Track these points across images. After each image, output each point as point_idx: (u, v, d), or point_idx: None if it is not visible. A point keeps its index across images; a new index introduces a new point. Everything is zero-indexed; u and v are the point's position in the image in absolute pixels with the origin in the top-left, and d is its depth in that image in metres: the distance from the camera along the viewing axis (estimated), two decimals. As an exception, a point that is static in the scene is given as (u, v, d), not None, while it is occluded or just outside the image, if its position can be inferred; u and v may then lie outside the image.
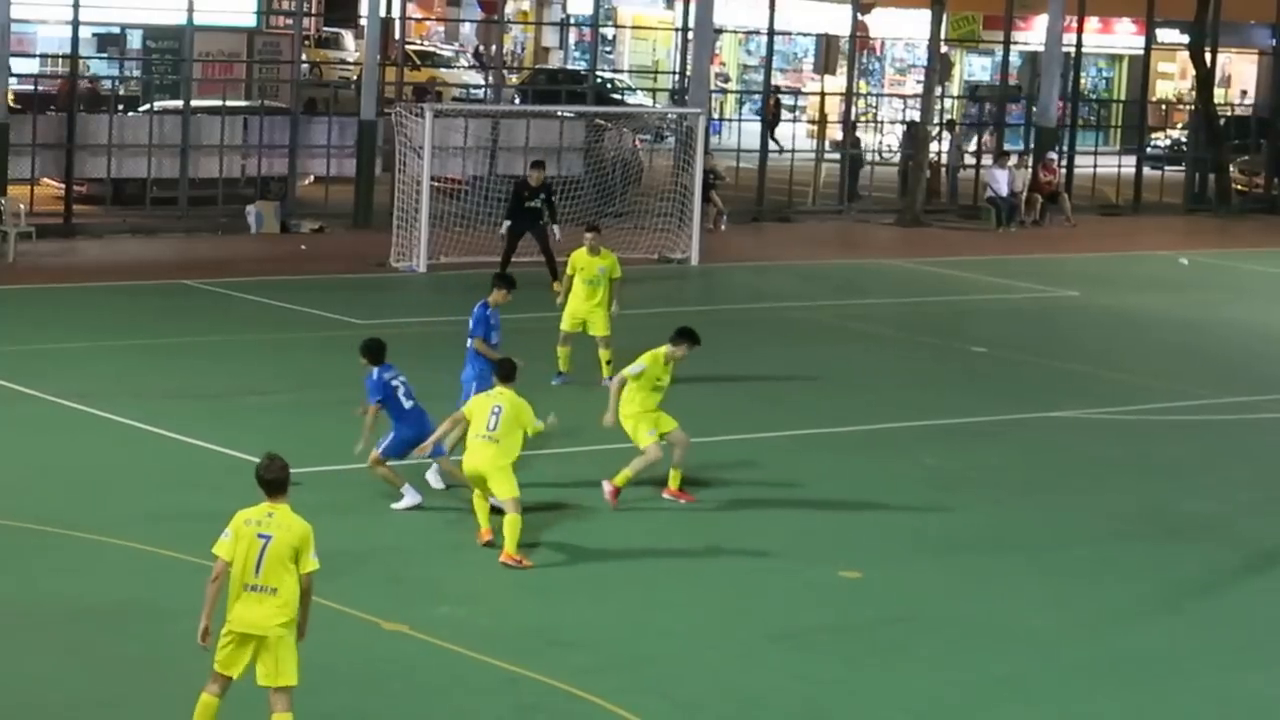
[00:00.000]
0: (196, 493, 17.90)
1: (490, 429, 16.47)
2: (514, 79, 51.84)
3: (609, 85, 53.22)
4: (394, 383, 17.84)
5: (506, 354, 18.21)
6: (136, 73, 40.37)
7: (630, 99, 52.66)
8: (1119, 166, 47.34)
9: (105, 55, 41.82)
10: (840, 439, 21.69)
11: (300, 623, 11.74)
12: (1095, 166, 47.33)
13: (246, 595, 11.61)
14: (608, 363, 22.79)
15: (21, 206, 32.71)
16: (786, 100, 53.53)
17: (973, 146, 47.07)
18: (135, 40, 41.00)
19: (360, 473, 18.90)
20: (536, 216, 29.65)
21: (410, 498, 17.74)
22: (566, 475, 19.25)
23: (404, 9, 43.93)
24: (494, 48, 46.26)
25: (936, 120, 44.78)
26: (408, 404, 17.84)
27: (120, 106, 36.56)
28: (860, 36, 46.85)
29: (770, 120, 45.21)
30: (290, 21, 41.15)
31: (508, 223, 29.88)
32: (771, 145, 43.55)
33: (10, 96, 33.65)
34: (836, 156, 43.96)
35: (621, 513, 18.12)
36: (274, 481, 11.72)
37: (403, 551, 16.60)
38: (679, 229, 34.73)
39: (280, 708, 11.63)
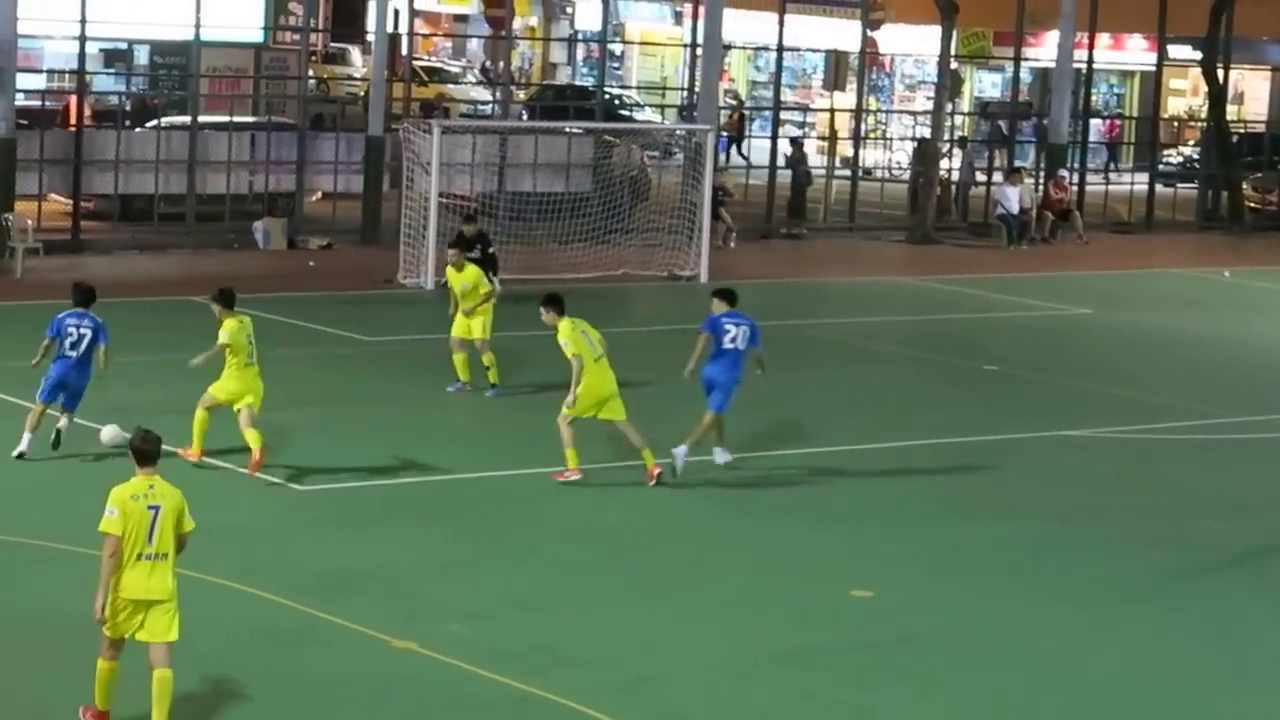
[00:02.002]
0: (207, 510, 17.93)
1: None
2: (522, 95, 51.95)
3: (617, 101, 53.34)
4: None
5: None
6: (143, 88, 40.48)
7: (638, 115, 52.78)
8: (1131, 184, 47.40)
9: (112, 71, 41.94)
10: (851, 457, 21.72)
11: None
12: (1107, 184, 47.41)
13: (140, 564, 12.45)
14: (487, 367, 23.50)
15: (29, 222, 32.82)
16: (794, 117, 53.63)
17: (983, 163, 47.14)
18: (142, 56, 41.13)
19: (369, 490, 19.03)
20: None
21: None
22: (577, 492, 19.31)
23: (411, 24, 44.04)
24: (502, 64, 46.38)
25: (947, 137, 44.86)
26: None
27: (127, 122, 36.64)
28: (870, 53, 46.93)
29: (735, 136, 45.32)
30: (297, 37, 41.26)
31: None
32: (738, 160, 43.59)
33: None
34: (846, 173, 44.06)
35: (629, 530, 18.18)
36: (150, 452, 12.67)
37: (411, 568, 16.65)
38: (688, 246, 34.80)
39: (163, 663, 12.49)
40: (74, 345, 19.74)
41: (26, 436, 19.66)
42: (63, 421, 19.71)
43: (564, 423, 19.37)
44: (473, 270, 24.21)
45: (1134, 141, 54.22)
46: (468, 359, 23.73)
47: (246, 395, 19.34)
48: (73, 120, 35.80)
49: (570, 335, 19.43)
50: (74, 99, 36.26)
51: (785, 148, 43.45)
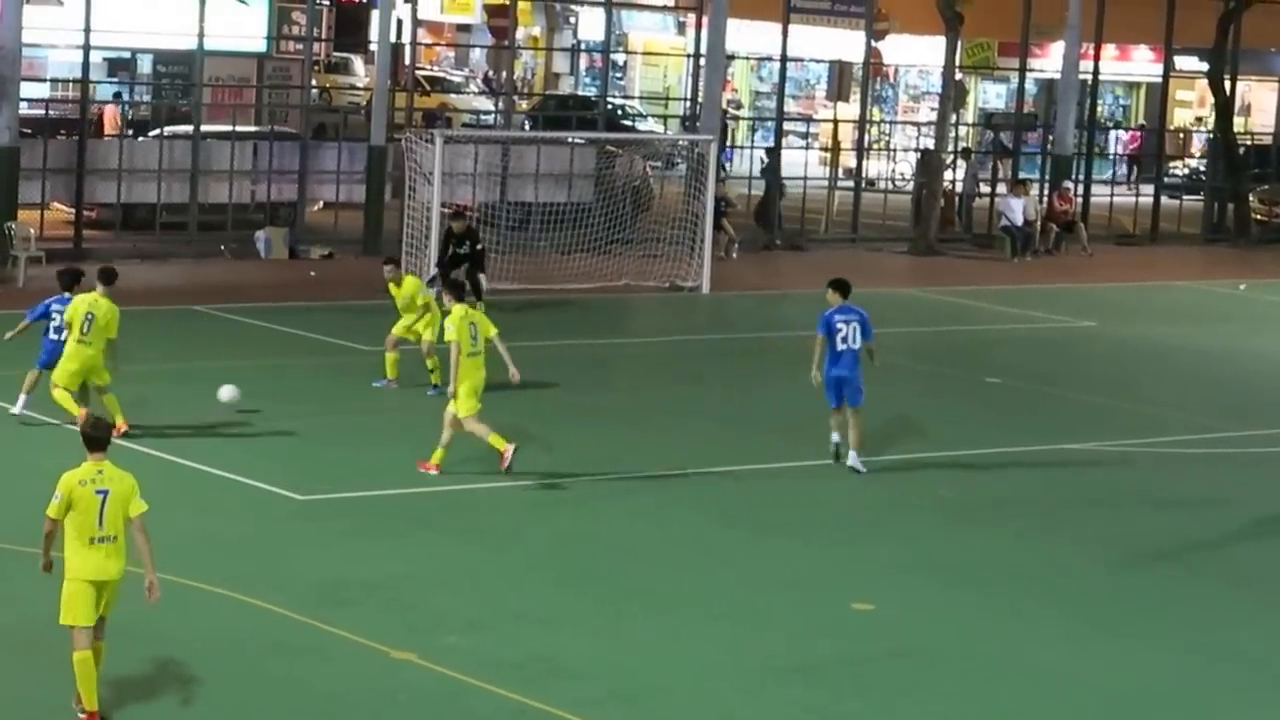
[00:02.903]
0: (207, 519, 18.02)
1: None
2: (524, 105, 52.00)
3: (620, 111, 53.40)
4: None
5: None
6: (147, 98, 40.56)
7: (641, 125, 52.83)
8: (1136, 195, 47.43)
9: (115, 80, 42.03)
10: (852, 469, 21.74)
11: (148, 562, 13.03)
12: (1112, 195, 47.47)
13: (94, 548, 12.95)
14: (430, 370, 23.84)
15: (31, 231, 32.88)
16: (797, 127, 53.69)
17: (987, 175, 47.21)
18: (146, 65, 41.22)
19: (370, 500, 19.07)
20: (466, 260, 29.37)
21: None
22: (578, 503, 19.34)
23: (414, 34, 44.12)
24: (504, 73, 46.44)
25: (951, 148, 44.92)
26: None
27: (129, 131, 36.72)
28: (874, 63, 47.00)
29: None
30: (300, 46, 41.35)
31: (435, 270, 29.66)
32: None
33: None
34: (850, 184, 44.10)
35: (629, 542, 18.22)
36: (100, 439, 13.12)
37: (412, 579, 16.68)
38: (690, 257, 34.86)
39: (101, 635, 13.11)
40: (59, 329, 20.80)
41: (22, 399, 21.15)
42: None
43: (468, 424, 19.91)
44: (410, 283, 24.64)
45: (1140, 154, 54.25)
46: (399, 359, 24.11)
47: (87, 374, 20.48)
48: (108, 129, 35.94)
49: (456, 322, 19.87)
50: (109, 108, 36.43)
51: (761, 155, 43.36)
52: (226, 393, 21.96)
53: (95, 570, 12.93)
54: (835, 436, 21.24)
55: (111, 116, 38.39)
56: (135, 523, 13.04)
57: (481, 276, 28.55)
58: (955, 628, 16.25)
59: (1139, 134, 58.88)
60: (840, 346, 20.86)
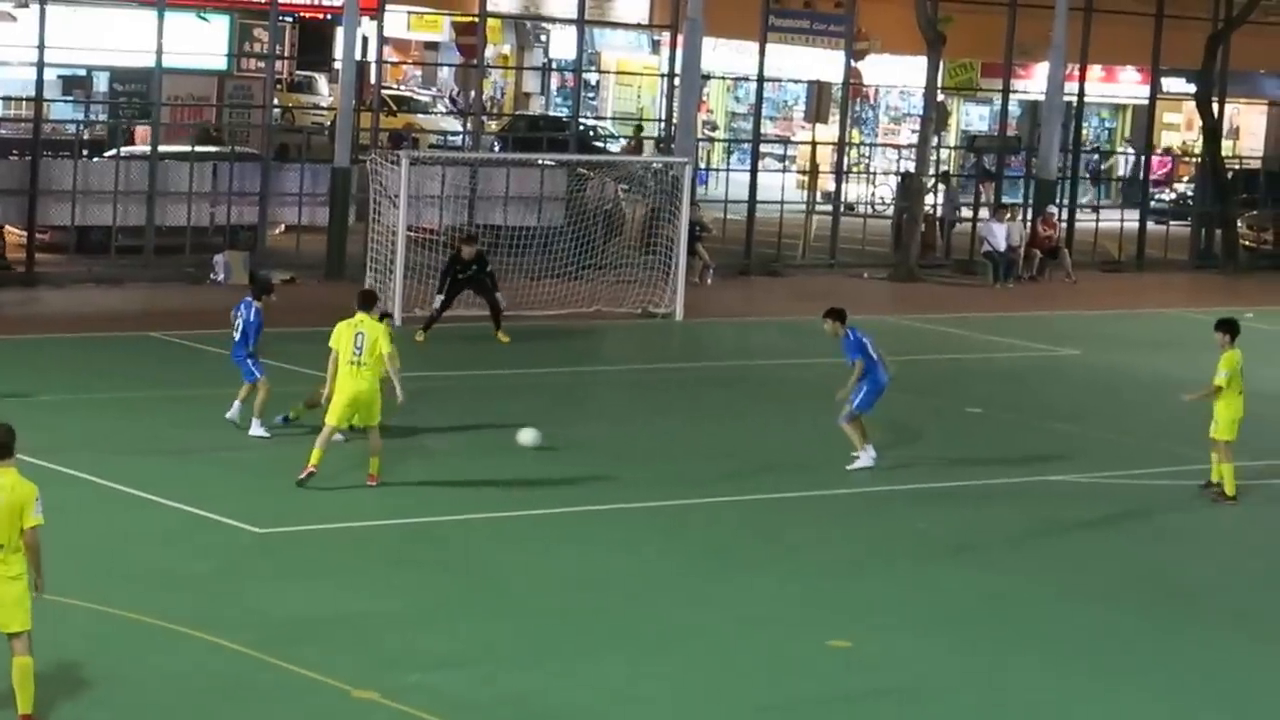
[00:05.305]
0: (163, 553, 18.03)
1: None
2: (493, 125, 52.11)
3: (592, 133, 53.51)
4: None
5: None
6: (103, 116, 40.59)
7: (614, 147, 52.95)
8: (1121, 221, 47.66)
9: (70, 99, 42.03)
10: (830, 502, 21.84)
11: (34, 576, 13.26)
12: (1097, 220, 47.67)
13: None
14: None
15: (-20, 254, 32.87)
16: (775, 150, 53.86)
17: (969, 199, 47.39)
18: (102, 83, 41.23)
19: (332, 533, 19.07)
20: (468, 284, 30.37)
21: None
22: (549, 537, 19.38)
23: (380, 52, 44.19)
24: (473, 93, 46.54)
25: (932, 171, 45.09)
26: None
27: (85, 151, 36.72)
28: (853, 84, 47.19)
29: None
30: (262, 64, 41.41)
31: (440, 297, 30.18)
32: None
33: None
34: (828, 208, 44.24)
35: (602, 578, 18.26)
36: (4, 445, 13.19)
37: (376, 615, 16.69)
38: (663, 282, 34.94)
39: (21, 650, 13.25)
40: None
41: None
42: None
43: (325, 430, 20.60)
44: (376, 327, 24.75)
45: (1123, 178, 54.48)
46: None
47: None
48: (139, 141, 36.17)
49: (340, 329, 20.75)
50: (140, 129, 36.52)
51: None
52: (528, 436, 22.15)
53: None
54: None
55: (143, 135, 38.37)
56: (27, 535, 13.16)
57: (499, 296, 30.18)
58: (935, 665, 16.31)
59: (1165, 159, 58.72)
60: (875, 356, 23.03)
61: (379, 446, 20.89)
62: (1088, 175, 56.40)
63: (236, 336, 23.20)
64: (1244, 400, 22.64)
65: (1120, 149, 61.82)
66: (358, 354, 20.59)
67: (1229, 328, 22.85)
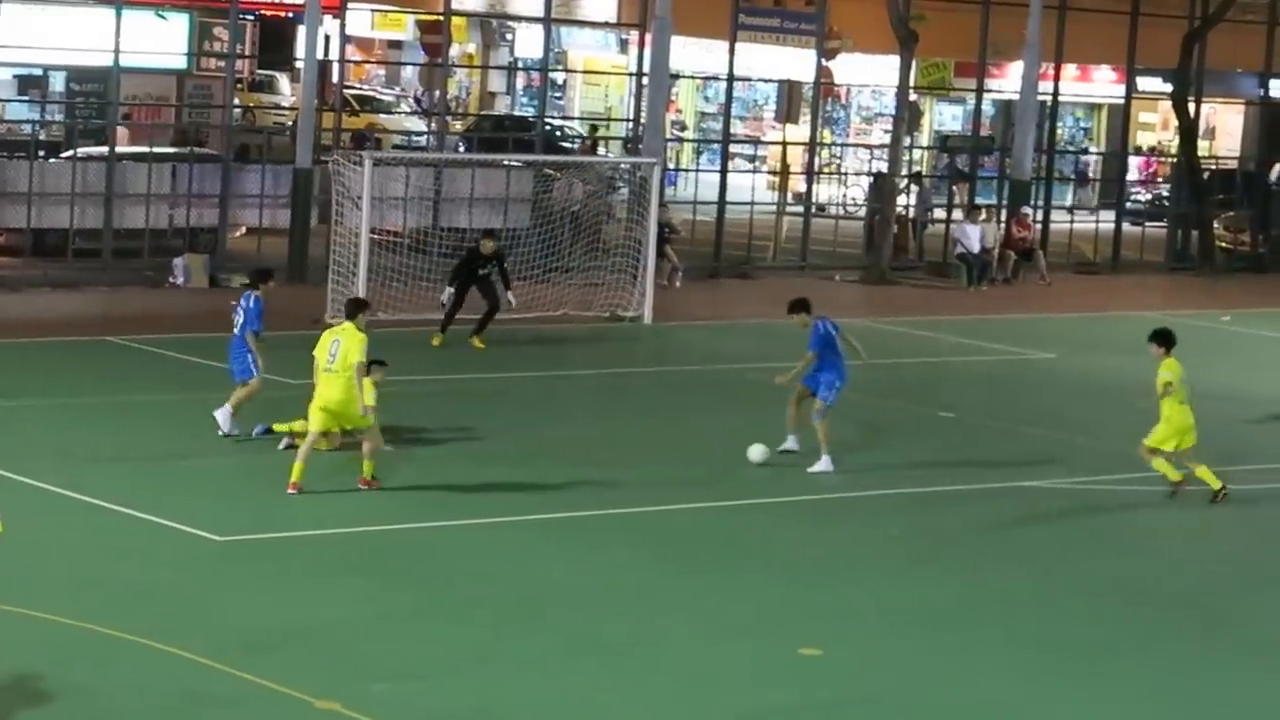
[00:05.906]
0: (123, 562, 17.98)
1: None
2: (458, 125, 52.07)
3: (559, 133, 53.51)
4: None
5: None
6: (59, 117, 40.49)
7: (578, 147, 52.94)
8: (1097, 222, 47.74)
9: (26, 99, 41.92)
10: (800, 508, 21.86)
11: None
12: (1072, 222, 47.78)
13: None
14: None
15: (-66, 258, 32.78)
16: (745, 150, 53.92)
17: (943, 200, 47.45)
18: (58, 83, 41.11)
19: (295, 541, 19.05)
20: (485, 280, 30.87)
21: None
22: (516, 544, 19.37)
23: (343, 51, 44.18)
24: (437, 92, 46.51)
25: (904, 172, 45.15)
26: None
27: (41, 152, 36.61)
28: (825, 83, 47.25)
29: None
30: (222, 63, 41.32)
31: (450, 289, 30.38)
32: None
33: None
34: (799, 209, 44.29)
35: (570, 585, 18.26)
36: None
37: (339, 625, 16.66)
38: (631, 285, 34.93)
39: None
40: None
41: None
42: None
43: (309, 436, 20.84)
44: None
45: (1100, 178, 54.61)
46: None
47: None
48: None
49: (323, 337, 21.17)
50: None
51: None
52: (757, 453, 22.95)
53: None
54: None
55: (124, 137, 38.35)
56: None
57: (510, 294, 30.84)
58: (907, 672, 16.34)
59: (1150, 160, 58.87)
60: (840, 350, 23.42)
61: (371, 449, 20.95)
62: (1074, 176, 56.62)
63: (236, 331, 23.38)
64: (1191, 408, 22.71)
65: (1095, 148, 61.97)
66: (331, 360, 20.81)
67: (1164, 340, 23.05)
